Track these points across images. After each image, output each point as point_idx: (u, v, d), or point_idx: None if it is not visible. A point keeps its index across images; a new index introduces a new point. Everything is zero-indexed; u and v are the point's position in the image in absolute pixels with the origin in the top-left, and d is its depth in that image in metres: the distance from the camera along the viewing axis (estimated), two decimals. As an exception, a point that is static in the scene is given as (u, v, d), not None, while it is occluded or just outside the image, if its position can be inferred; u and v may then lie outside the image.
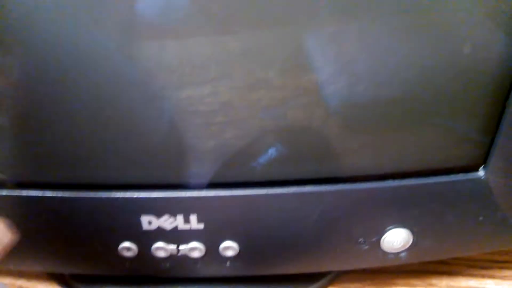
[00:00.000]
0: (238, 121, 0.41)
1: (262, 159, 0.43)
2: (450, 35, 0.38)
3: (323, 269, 0.55)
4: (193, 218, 0.44)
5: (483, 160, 0.44)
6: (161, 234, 0.45)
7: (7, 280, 0.56)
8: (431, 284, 0.58)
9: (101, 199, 0.43)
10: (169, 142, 0.42)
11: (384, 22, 0.37)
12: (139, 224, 0.44)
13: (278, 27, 0.38)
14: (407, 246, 0.48)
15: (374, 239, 0.48)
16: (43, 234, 0.47)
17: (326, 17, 0.38)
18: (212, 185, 0.44)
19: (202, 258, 0.47)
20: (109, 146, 0.42)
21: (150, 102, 0.40)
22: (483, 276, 0.58)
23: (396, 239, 0.47)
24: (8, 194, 0.44)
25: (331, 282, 0.58)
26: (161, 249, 0.46)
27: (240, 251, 0.47)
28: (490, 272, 0.59)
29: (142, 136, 0.41)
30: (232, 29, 0.37)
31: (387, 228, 0.47)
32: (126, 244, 0.46)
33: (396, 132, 0.43)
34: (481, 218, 0.47)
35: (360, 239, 0.48)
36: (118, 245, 0.46)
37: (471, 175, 0.45)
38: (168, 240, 0.46)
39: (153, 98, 0.39)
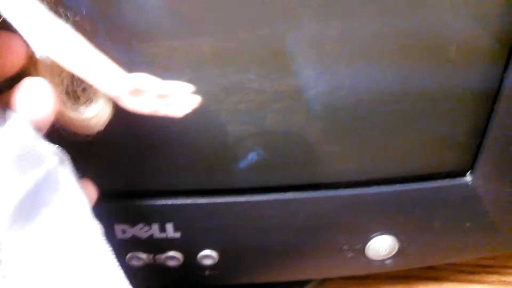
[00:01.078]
0: (215, 126, 0.40)
1: (242, 165, 0.42)
2: (435, 38, 0.37)
3: (307, 277, 0.53)
4: (169, 226, 0.43)
5: (470, 165, 0.43)
6: (136, 243, 0.44)
7: None
8: (418, 290, 0.57)
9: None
10: (140, 147, 0.40)
11: (367, 25, 0.36)
12: (112, 233, 0.43)
13: (257, 29, 0.36)
14: (393, 253, 0.47)
15: (358, 247, 0.46)
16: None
17: (308, 19, 0.36)
18: (189, 192, 0.42)
19: (179, 267, 0.46)
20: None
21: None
22: (470, 281, 0.57)
23: (382, 246, 0.46)
24: None
25: (315, 289, 0.56)
26: (136, 258, 0.45)
27: (219, 260, 0.45)
28: (477, 277, 0.58)
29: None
30: (208, 30, 0.35)
31: (372, 235, 0.46)
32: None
33: (380, 137, 0.42)
34: (468, 224, 0.46)
35: (344, 247, 0.46)
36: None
37: (458, 181, 0.44)
38: (144, 249, 0.44)
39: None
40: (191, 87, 0.29)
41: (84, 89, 0.36)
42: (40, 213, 0.31)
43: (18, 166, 0.30)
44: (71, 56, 0.29)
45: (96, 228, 0.33)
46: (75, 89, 0.36)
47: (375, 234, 0.46)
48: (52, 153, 0.32)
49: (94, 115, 0.36)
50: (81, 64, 0.29)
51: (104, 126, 0.36)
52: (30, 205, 0.30)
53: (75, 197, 0.32)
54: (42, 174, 0.31)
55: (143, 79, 0.28)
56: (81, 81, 0.36)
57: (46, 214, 0.31)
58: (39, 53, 0.29)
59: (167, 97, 0.29)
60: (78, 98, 0.37)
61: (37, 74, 0.34)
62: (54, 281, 0.31)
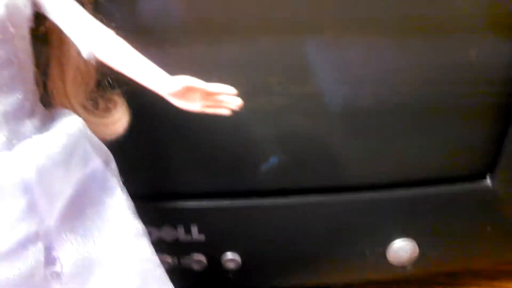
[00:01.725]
0: (239, 129, 0.41)
1: (264, 168, 0.43)
2: (454, 42, 0.38)
3: (328, 281, 0.53)
4: (194, 229, 0.44)
5: (490, 168, 0.43)
6: (162, 245, 0.44)
7: None
8: (438, 296, 0.57)
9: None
10: (165, 150, 0.41)
11: (388, 29, 0.37)
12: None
13: (280, 35, 0.37)
14: (414, 257, 0.47)
15: (380, 251, 0.47)
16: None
17: (330, 25, 0.37)
18: (213, 195, 0.43)
19: (203, 270, 0.46)
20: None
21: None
22: (492, 287, 0.57)
23: (402, 250, 0.46)
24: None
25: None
26: (161, 261, 0.45)
27: (242, 263, 0.46)
28: (497, 282, 0.58)
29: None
30: (231, 35, 0.37)
31: (393, 239, 0.46)
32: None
33: (400, 140, 0.42)
34: (488, 229, 0.46)
35: (366, 251, 0.47)
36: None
37: (477, 184, 0.44)
38: (169, 252, 0.45)
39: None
40: (234, 89, 0.30)
41: (104, 96, 0.38)
42: (86, 213, 0.33)
43: (69, 163, 0.31)
44: (117, 57, 0.31)
45: (140, 230, 0.34)
46: (97, 95, 0.38)
47: (396, 238, 0.46)
48: (100, 153, 0.34)
49: (115, 120, 0.38)
50: (128, 64, 0.31)
51: (124, 130, 0.37)
52: (78, 203, 0.32)
53: (120, 198, 0.34)
54: (89, 172, 0.33)
55: (192, 81, 0.30)
56: (103, 88, 0.38)
57: (92, 213, 0.33)
58: (85, 53, 0.31)
59: (213, 97, 0.30)
60: (99, 103, 0.38)
61: (66, 79, 0.36)
62: (101, 278, 0.33)
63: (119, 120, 0.39)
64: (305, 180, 0.43)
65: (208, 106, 0.31)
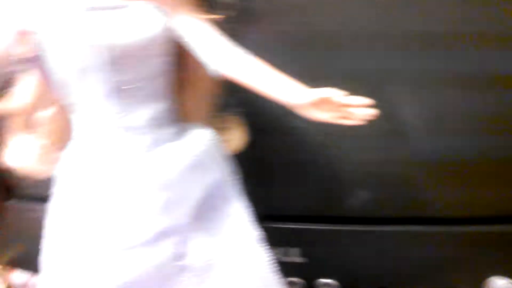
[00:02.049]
0: (341, 156, 0.43)
1: (363, 195, 0.44)
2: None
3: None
4: (294, 250, 0.45)
5: None
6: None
7: None
8: None
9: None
10: (268, 172, 0.44)
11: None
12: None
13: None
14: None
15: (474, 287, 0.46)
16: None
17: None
18: (313, 218, 0.45)
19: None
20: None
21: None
22: None
23: (498, 288, 0.46)
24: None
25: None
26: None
27: (339, 288, 0.47)
28: None
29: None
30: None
31: (489, 277, 0.46)
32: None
33: (495, 177, 0.43)
34: None
35: (459, 286, 0.47)
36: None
37: None
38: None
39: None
40: (370, 100, 0.32)
41: (223, 116, 0.41)
42: (211, 216, 0.36)
43: (204, 168, 0.35)
44: (249, 72, 0.34)
45: (259, 236, 0.37)
46: (217, 115, 0.41)
47: (492, 275, 0.46)
48: (225, 165, 0.37)
49: (230, 138, 0.42)
50: (262, 79, 0.34)
51: (238, 150, 0.40)
52: (205, 206, 0.35)
53: (239, 207, 0.37)
54: (216, 179, 0.36)
55: (330, 92, 0.32)
56: (222, 108, 0.41)
57: (217, 217, 0.36)
58: (213, 71, 0.35)
59: (346, 108, 0.32)
60: (217, 122, 0.42)
61: (193, 98, 0.40)
62: (223, 276, 0.35)
63: (234, 139, 0.42)
64: (407, 211, 0.45)
65: (339, 117, 0.33)
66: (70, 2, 0.32)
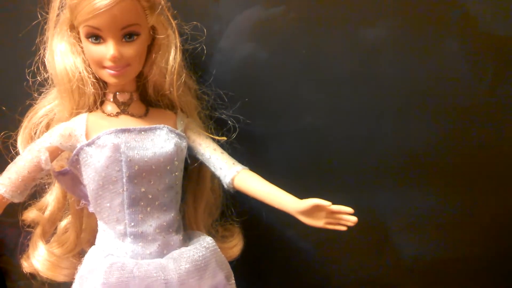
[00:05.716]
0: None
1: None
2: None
3: None
4: None
5: None
6: None
7: None
8: None
9: None
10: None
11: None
12: None
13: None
14: None
15: None
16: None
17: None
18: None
19: None
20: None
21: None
22: None
23: None
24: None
25: None
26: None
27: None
28: None
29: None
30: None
31: None
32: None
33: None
34: None
35: None
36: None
37: None
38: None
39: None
40: (351, 209, 0.37)
41: (224, 225, 0.46)
42: None
43: (204, 272, 0.39)
44: (255, 186, 0.40)
45: None
46: (219, 224, 0.47)
47: None
48: (224, 269, 0.41)
49: (231, 245, 0.46)
50: (265, 192, 0.40)
51: (238, 255, 0.45)
52: None
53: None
54: (215, 284, 0.40)
55: (319, 200, 0.37)
56: (224, 218, 0.46)
57: None
58: (226, 184, 0.41)
59: (335, 215, 0.38)
60: (219, 231, 0.47)
61: (198, 208, 0.45)
62: None
63: (235, 246, 0.46)
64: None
65: (329, 223, 0.38)
66: (105, 123, 0.38)
